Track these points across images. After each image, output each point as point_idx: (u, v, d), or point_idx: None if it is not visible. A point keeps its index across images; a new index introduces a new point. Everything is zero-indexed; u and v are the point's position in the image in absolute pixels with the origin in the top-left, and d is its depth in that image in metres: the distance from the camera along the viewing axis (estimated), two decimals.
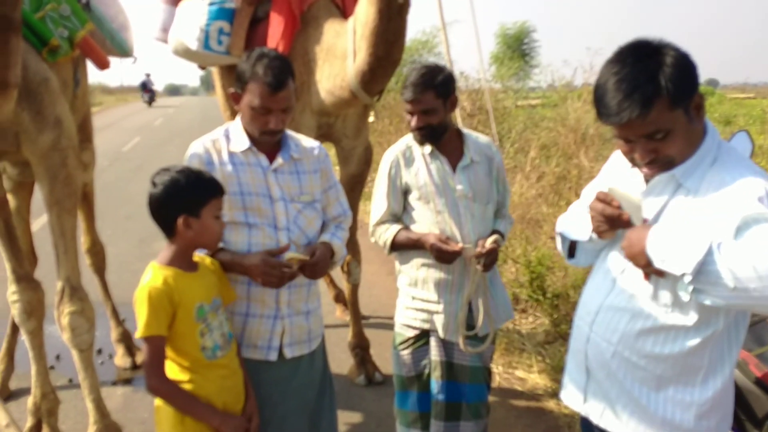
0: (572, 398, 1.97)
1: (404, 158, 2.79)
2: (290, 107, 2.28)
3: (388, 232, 2.79)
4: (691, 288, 1.53)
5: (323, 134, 3.99)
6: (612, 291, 1.81)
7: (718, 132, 1.71)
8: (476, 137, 2.85)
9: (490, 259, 2.67)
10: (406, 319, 2.85)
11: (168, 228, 2.07)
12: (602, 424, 1.86)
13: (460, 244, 2.62)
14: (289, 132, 2.44)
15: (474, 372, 2.80)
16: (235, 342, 2.25)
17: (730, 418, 1.81)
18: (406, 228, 2.78)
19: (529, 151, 7.21)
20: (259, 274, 2.16)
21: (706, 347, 1.67)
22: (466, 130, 2.85)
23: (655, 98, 1.56)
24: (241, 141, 2.31)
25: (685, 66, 1.58)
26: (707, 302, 1.54)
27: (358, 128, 4.09)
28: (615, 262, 1.83)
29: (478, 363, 2.81)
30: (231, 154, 2.31)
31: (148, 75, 38.20)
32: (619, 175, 1.88)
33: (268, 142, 2.32)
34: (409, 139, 2.82)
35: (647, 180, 1.74)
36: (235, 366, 2.20)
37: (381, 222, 2.85)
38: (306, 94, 3.66)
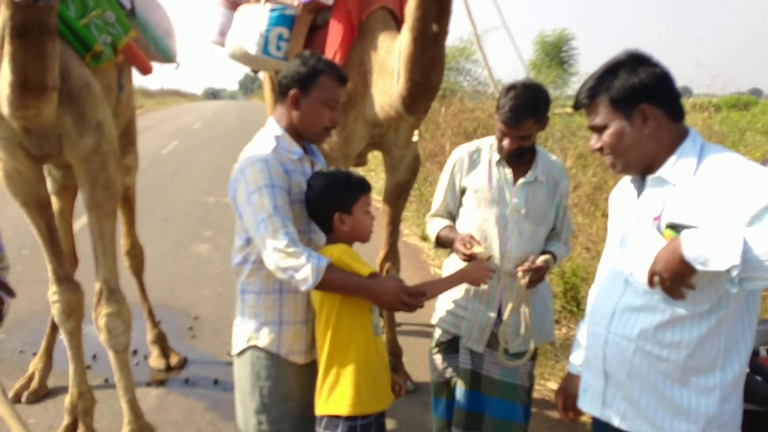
0: (590, 405, 2.00)
1: (470, 159, 2.77)
2: (342, 102, 2.39)
3: (434, 227, 2.81)
4: (737, 279, 1.58)
5: (374, 143, 4.01)
6: (625, 292, 1.88)
7: (699, 136, 1.86)
8: (549, 156, 2.79)
9: (536, 276, 2.61)
10: (439, 321, 2.86)
11: (325, 225, 2.26)
12: (625, 426, 1.89)
13: (476, 250, 2.54)
14: None
15: (504, 387, 2.74)
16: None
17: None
18: (452, 226, 2.78)
19: (566, 160, 7.13)
20: (397, 300, 2.16)
21: (722, 329, 1.75)
22: (541, 148, 2.78)
23: (597, 94, 1.84)
24: (295, 148, 2.34)
25: (639, 78, 1.78)
26: (755, 287, 1.64)
27: (410, 138, 4.09)
28: (622, 265, 1.91)
29: (511, 379, 2.74)
30: (288, 161, 2.32)
31: (213, 88, 76.97)
32: (620, 201, 2.03)
33: (323, 138, 2.38)
34: (482, 142, 2.79)
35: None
36: (384, 346, 2.35)
37: (434, 215, 2.88)
38: (360, 104, 3.68)
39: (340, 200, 2.21)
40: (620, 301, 1.89)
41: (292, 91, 2.30)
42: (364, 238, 2.27)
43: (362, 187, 2.24)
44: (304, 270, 2.08)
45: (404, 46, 3.13)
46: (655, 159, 1.83)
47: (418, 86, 3.19)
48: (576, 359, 2.19)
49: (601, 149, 1.87)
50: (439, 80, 3.24)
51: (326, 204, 2.22)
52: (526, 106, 2.52)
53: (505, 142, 2.60)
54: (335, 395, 2.18)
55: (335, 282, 2.11)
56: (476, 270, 2.40)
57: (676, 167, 1.80)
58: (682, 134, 1.83)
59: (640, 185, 1.90)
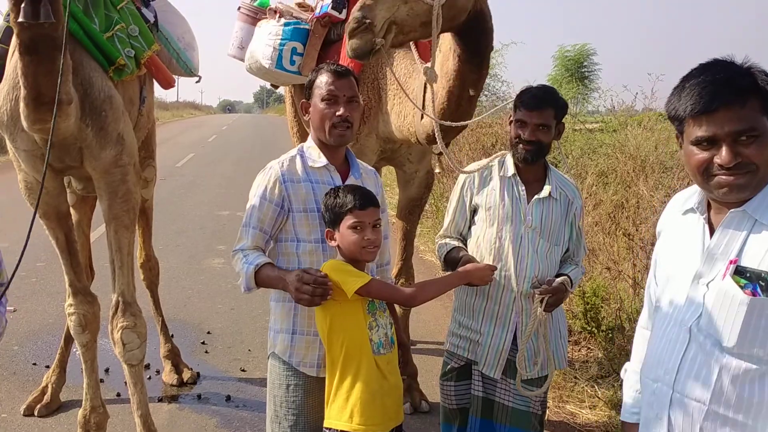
0: None
1: (480, 176, 2.74)
2: (355, 98, 2.38)
3: (443, 249, 2.77)
4: None
5: (386, 158, 4.00)
6: (690, 343, 1.63)
7: None
8: (562, 175, 2.78)
9: (554, 299, 2.54)
10: (452, 346, 2.80)
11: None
12: None
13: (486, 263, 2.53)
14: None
15: (517, 415, 2.67)
16: (396, 347, 2.35)
17: None
18: (461, 247, 2.73)
19: (586, 178, 7.06)
20: (293, 288, 2.17)
21: None
22: (553, 167, 2.77)
23: (751, 92, 1.51)
24: (318, 157, 2.40)
25: None
26: None
27: (423, 153, 4.06)
28: (685, 311, 1.66)
29: (524, 407, 2.67)
30: (308, 172, 2.39)
31: (229, 101, 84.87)
32: (679, 231, 1.77)
33: (339, 138, 2.36)
34: (491, 159, 2.77)
35: (712, 207, 1.66)
36: (394, 367, 2.31)
37: (443, 236, 2.83)
38: (374, 119, 3.67)
39: (329, 216, 2.25)
40: (685, 354, 1.64)
41: (302, 101, 2.45)
42: (354, 255, 2.23)
43: (348, 203, 2.21)
44: (240, 276, 2.32)
45: (438, 96, 3.06)
46: None
47: (445, 131, 3.17)
48: (629, 406, 1.95)
49: (735, 165, 1.54)
50: (465, 126, 3.25)
51: (326, 220, 2.28)
52: (546, 95, 2.62)
53: (525, 133, 2.58)
54: (332, 409, 2.21)
55: (265, 283, 2.30)
56: (477, 269, 2.43)
57: (766, 202, 1.56)
58: None
59: (707, 217, 1.66)
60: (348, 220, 2.19)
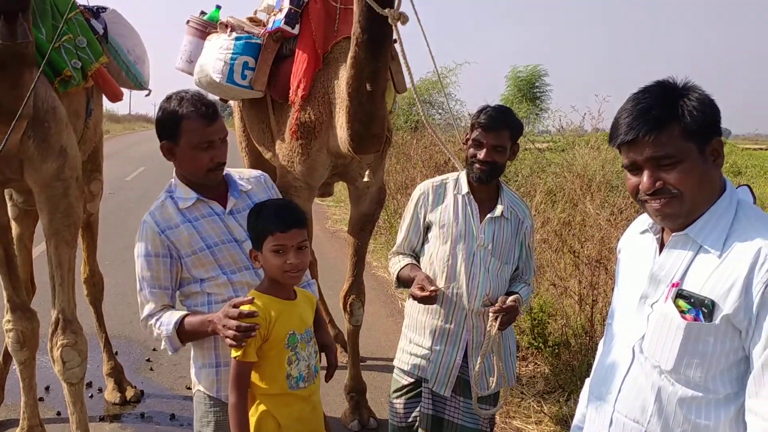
0: None
1: (435, 194, 2.75)
2: (226, 136, 2.31)
3: (396, 265, 2.77)
4: None
5: (339, 173, 4.00)
6: (634, 361, 1.64)
7: (736, 191, 1.63)
8: (514, 195, 2.81)
9: (507, 317, 2.56)
10: (402, 363, 2.80)
11: None
12: None
13: (434, 287, 2.49)
14: (228, 170, 2.43)
15: None
16: (319, 377, 2.25)
17: None
18: (414, 264, 2.74)
19: (535, 196, 7.20)
20: (221, 326, 2.05)
21: (740, 417, 1.52)
22: (505, 186, 2.81)
23: (669, 121, 1.52)
24: (187, 196, 2.30)
25: (708, 105, 1.54)
26: None
27: (375, 169, 4.06)
28: (631, 330, 1.67)
29: (473, 425, 2.70)
30: (182, 213, 2.29)
31: None
32: (634, 253, 1.79)
33: (215, 179, 2.30)
34: (447, 177, 2.80)
35: (656, 225, 1.68)
36: (316, 400, 2.22)
37: (396, 252, 2.84)
38: (324, 134, 3.67)
39: (251, 235, 2.15)
40: (628, 374, 1.64)
41: (162, 143, 2.29)
42: (277, 277, 2.10)
43: (269, 224, 2.08)
44: (162, 342, 2.25)
45: (342, 98, 3.10)
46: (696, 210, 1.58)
47: (360, 135, 3.23)
48: (577, 420, 1.93)
49: (657, 191, 1.56)
50: (380, 130, 3.24)
51: (249, 236, 2.19)
52: (503, 115, 2.62)
53: (481, 154, 2.59)
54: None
55: (190, 335, 2.22)
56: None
57: (708, 227, 1.56)
58: (722, 185, 1.60)
59: (660, 240, 1.67)
60: (269, 243, 2.07)
